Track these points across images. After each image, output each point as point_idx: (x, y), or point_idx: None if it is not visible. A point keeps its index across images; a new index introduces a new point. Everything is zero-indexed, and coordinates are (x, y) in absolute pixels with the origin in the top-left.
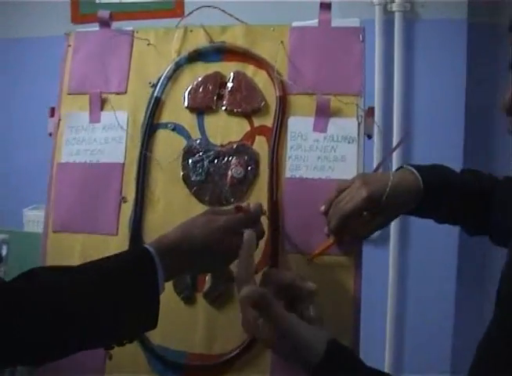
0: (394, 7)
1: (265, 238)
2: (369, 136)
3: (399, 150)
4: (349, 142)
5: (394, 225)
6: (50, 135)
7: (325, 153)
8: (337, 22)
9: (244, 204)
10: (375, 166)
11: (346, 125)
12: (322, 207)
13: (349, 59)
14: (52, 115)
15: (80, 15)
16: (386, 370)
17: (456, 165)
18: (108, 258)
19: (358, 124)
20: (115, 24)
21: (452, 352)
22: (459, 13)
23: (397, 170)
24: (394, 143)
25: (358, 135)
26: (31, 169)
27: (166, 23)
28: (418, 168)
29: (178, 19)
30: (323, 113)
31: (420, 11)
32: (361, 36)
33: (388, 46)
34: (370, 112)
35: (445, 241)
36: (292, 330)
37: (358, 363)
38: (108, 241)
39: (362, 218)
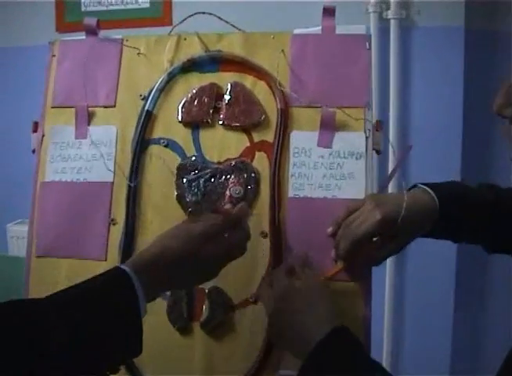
0: (390, 14)
1: (266, 262)
2: (378, 152)
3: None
4: (357, 158)
5: None
6: (34, 151)
7: (331, 170)
8: (341, 29)
9: (228, 207)
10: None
11: (353, 140)
12: (330, 229)
13: (355, 68)
14: (36, 130)
15: (65, 23)
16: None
17: (454, 176)
18: (80, 284)
19: (366, 138)
20: (102, 33)
21: (451, 353)
22: (456, 20)
23: (410, 189)
24: (391, 155)
25: (367, 150)
26: (14, 183)
27: (154, 31)
28: (432, 186)
29: (167, 27)
30: (328, 126)
31: (416, 18)
32: (367, 44)
33: (384, 54)
34: (378, 125)
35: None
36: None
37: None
38: (96, 267)
39: (373, 243)
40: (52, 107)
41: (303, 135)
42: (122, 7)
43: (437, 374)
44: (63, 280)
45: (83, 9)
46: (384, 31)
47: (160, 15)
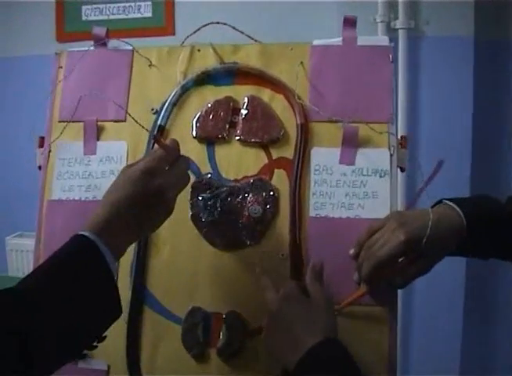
0: (398, 24)
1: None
2: (402, 169)
3: (406, 181)
4: (381, 176)
5: None
6: (40, 168)
7: (353, 188)
8: (363, 40)
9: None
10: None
11: (377, 157)
12: (352, 251)
13: (378, 81)
14: (41, 145)
15: (65, 33)
16: None
17: (463, 189)
18: (47, 260)
19: (391, 155)
20: (169, 38)
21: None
22: (466, 30)
23: (433, 206)
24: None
25: (391, 167)
26: (13, 196)
27: (157, 41)
28: (458, 201)
29: (170, 37)
30: (351, 143)
31: (424, 28)
32: (390, 56)
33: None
34: (404, 142)
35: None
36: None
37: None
38: None
39: (398, 265)
40: (59, 121)
41: (324, 152)
42: (124, 16)
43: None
44: None
45: (83, 18)
46: (391, 42)
47: (162, 24)
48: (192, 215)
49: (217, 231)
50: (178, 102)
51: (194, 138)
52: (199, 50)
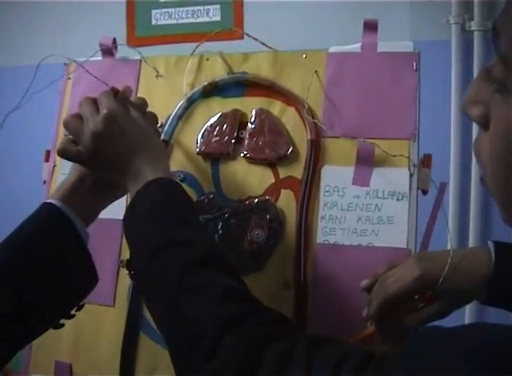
0: (474, 25)
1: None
2: (425, 192)
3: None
4: (398, 200)
5: None
6: (45, 182)
7: (367, 212)
8: (384, 46)
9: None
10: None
11: (394, 177)
12: (364, 283)
13: (400, 92)
14: (47, 160)
15: (136, 37)
16: None
17: None
18: (16, 229)
19: (410, 175)
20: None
21: None
22: None
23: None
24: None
25: (410, 189)
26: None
27: (225, 45)
28: (503, 246)
29: (239, 41)
30: (365, 161)
31: None
32: (414, 64)
33: (466, 70)
34: (427, 161)
35: None
36: None
37: None
38: (103, 312)
39: (411, 304)
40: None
41: (336, 171)
42: (193, 20)
43: None
44: (69, 325)
45: (153, 22)
46: (466, 44)
47: (231, 28)
48: None
49: None
50: (184, 115)
51: (198, 154)
52: (207, 59)
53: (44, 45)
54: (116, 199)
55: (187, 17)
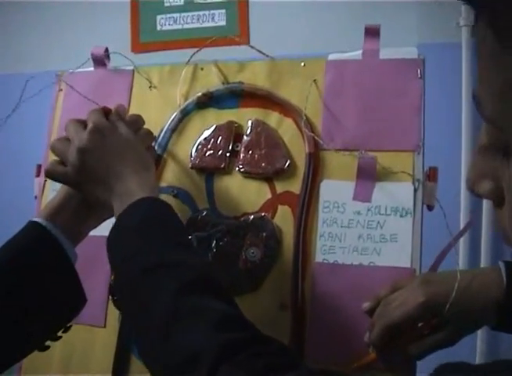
0: None
1: (285, 341)
2: (430, 207)
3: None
4: (401, 216)
5: None
6: (36, 198)
7: (368, 230)
8: (387, 52)
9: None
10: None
11: (398, 193)
12: (366, 305)
13: (404, 102)
14: (38, 175)
15: (140, 43)
16: None
17: None
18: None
19: (415, 190)
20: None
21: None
22: None
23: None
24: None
25: (415, 205)
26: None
27: (230, 51)
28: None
29: (244, 47)
30: (367, 176)
31: None
32: (419, 71)
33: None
34: (432, 174)
35: None
36: None
37: None
38: (94, 333)
39: (416, 331)
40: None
41: (336, 186)
42: (198, 25)
43: None
44: (59, 345)
45: (158, 28)
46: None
47: (236, 33)
48: None
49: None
50: (178, 127)
51: (192, 168)
52: (202, 69)
53: (45, 53)
54: (104, 220)
55: (192, 22)
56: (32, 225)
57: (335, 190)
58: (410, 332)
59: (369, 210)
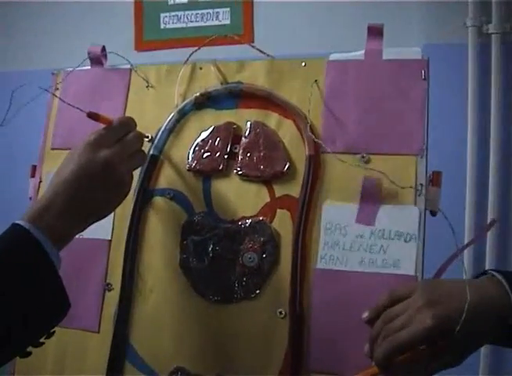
0: (491, 29)
1: (283, 349)
2: (433, 213)
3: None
4: (406, 241)
5: None
6: (31, 199)
7: (371, 254)
8: (390, 53)
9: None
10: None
11: (402, 216)
12: (366, 315)
13: (407, 104)
14: (33, 175)
15: (144, 42)
16: None
17: None
18: None
19: (417, 195)
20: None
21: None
22: None
23: (479, 276)
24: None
25: (419, 230)
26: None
27: (234, 49)
28: (509, 276)
29: (244, 46)
30: (371, 198)
31: None
32: (423, 72)
33: (484, 75)
34: (436, 179)
35: None
36: None
37: None
38: (88, 338)
39: (420, 352)
40: (52, 149)
41: (338, 209)
42: (202, 23)
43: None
44: (52, 350)
45: (162, 26)
46: (484, 48)
47: (240, 32)
48: (181, 260)
49: (207, 281)
50: (175, 128)
51: (189, 170)
52: (200, 68)
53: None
54: (89, 224)
55: (196, 21)
56: (14, 228)
57: (337, 213)
58: (414, 352)
59: (372, 233)
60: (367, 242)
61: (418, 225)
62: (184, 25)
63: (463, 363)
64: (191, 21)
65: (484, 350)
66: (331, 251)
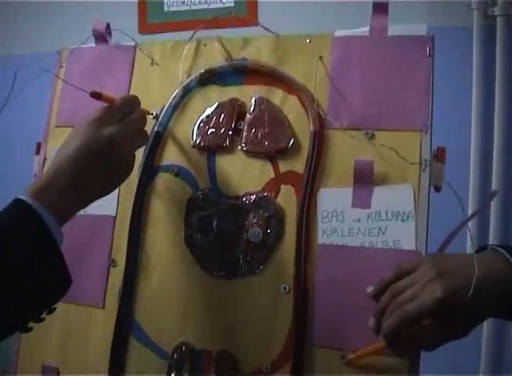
0: (497, 11)
1: (287, 324)
2: (437, 188)
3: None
4: (403, 221)
5: None
6: (35, 176)
7: (370, 237)
8: (395, 29)
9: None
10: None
11: (397, 195)
12: (371, 289)
13: (412, 80)
14: (38, 152)
15: (148, 24)
16: None
17: None
18: None
19: (422, 171)
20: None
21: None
22: None
23: (479, 251)
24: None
25: (416, 206)
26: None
27: (239, 32)
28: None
29: (252, 28)
30: (364, 180)
31: None
32: (428, 48)
33: (488, 57)
34: (440, 154)
35: None
36: None
37: None
38: (93, 314)
39: (428, 324)
40: (56, 127)
41: (333, 194)
42: (206, 6)
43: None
44: (58, 326)
45: (166, 9)
46: (489, 30)
47: (244, 14)
48: (185, 235)
49: (211, 256)
50: (180, 104)
51: (193, 146)
52: (205, 45)
53: (53, 33)
54: (91, 201)
55: (200, 3)
56: (17, 203)
57: (333, 198)
58: (422, 325)
59: (369, 217)
60: (365, 226)
61: (414, 203)
62: (188, 8)
63: (463, 363)
64: (195, 4)
65: (484, 349)
66: (330, 239)
